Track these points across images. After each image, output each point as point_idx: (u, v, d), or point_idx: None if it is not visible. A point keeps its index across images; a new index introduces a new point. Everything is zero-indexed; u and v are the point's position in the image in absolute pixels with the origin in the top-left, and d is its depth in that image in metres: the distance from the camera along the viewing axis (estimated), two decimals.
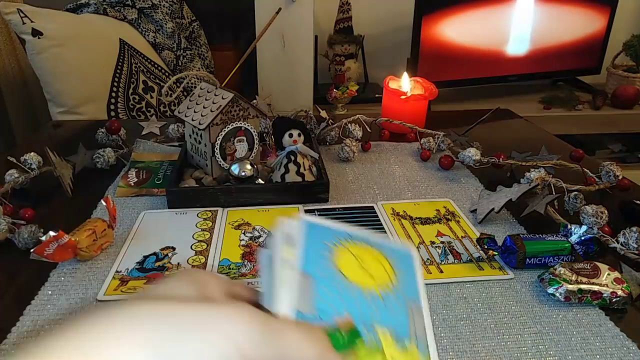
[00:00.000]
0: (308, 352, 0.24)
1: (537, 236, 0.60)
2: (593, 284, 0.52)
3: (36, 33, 1.25)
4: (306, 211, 0.71)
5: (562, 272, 0.53)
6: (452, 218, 0.70)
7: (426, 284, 0.55)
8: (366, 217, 0.70)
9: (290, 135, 0.87)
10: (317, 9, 1.55)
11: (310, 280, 0.30)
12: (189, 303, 0.24)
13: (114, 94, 1.40)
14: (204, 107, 0.75)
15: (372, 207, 0.73)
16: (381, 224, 0.68)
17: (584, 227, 0.59)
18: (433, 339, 0.31)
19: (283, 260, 0.29)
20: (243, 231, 0.66)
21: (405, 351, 0.29)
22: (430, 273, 0.58)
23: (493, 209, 0.68)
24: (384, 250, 0.34)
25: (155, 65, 1.54)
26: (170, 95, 1.34)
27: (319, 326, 0.27)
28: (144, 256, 0.60)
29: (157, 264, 0.59)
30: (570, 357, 0.46)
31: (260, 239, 0.64)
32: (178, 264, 0.59)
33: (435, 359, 0.30)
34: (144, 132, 1.03)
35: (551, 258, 0.58)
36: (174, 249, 0.62)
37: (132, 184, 0.79)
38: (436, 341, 0.42)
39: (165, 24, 1.58)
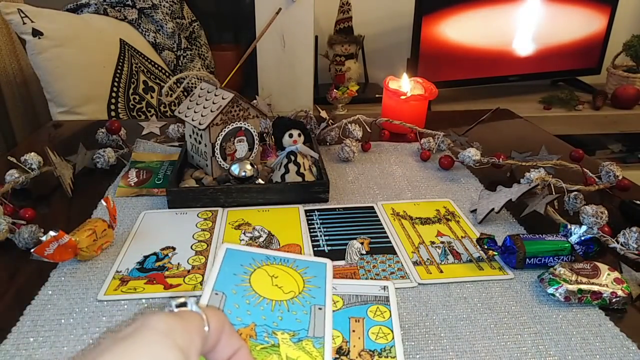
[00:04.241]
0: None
1: (537, 236, 0.60)
2: (593, 284, 0.52)
3: (36, 33, 1.25)
4: (306, 211, 0.71)
5: (562, 272, 0.53)
6: (452, 218, 0.70)
7: (426, 284, 0.56)
8: (366, 217, 0.70)
9: (290, 136, 0.87)
10: (317, 9, 1.55)
11: (221, 297, 0.37)
12: None
13: (114, 94, 1.40)
14: (204, 107, 0.76)
15: (372, 207, 0.73)
16: (381, 224, 0.68)
17: (584, 227, 0.59)
18: (330, 335, 0.38)
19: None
20: (243, 231, 0.66)
21: (300, 347, 0.36)
22: (430, 273, 0.58)
23: (493, 209, 0.68)
24: (298, 265, 0.42)
25: (156, 66, 1.54)
26: (171, 96, 1.35)
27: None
28: (144, 256, 0.60)
29: (157, 264, 0.59)
30: (570, 357, 0.46)
31: (260, 239, 0.64)
32: (178, 264, 0.59)
33: (328, 352, 0.37)
34: (144, 132, 1.03)
35: (551, 258, 0.58)
36: (174, 249, 0.62)
37: (132, 184, 0.80)
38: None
39: (166, 24, 1.58)
